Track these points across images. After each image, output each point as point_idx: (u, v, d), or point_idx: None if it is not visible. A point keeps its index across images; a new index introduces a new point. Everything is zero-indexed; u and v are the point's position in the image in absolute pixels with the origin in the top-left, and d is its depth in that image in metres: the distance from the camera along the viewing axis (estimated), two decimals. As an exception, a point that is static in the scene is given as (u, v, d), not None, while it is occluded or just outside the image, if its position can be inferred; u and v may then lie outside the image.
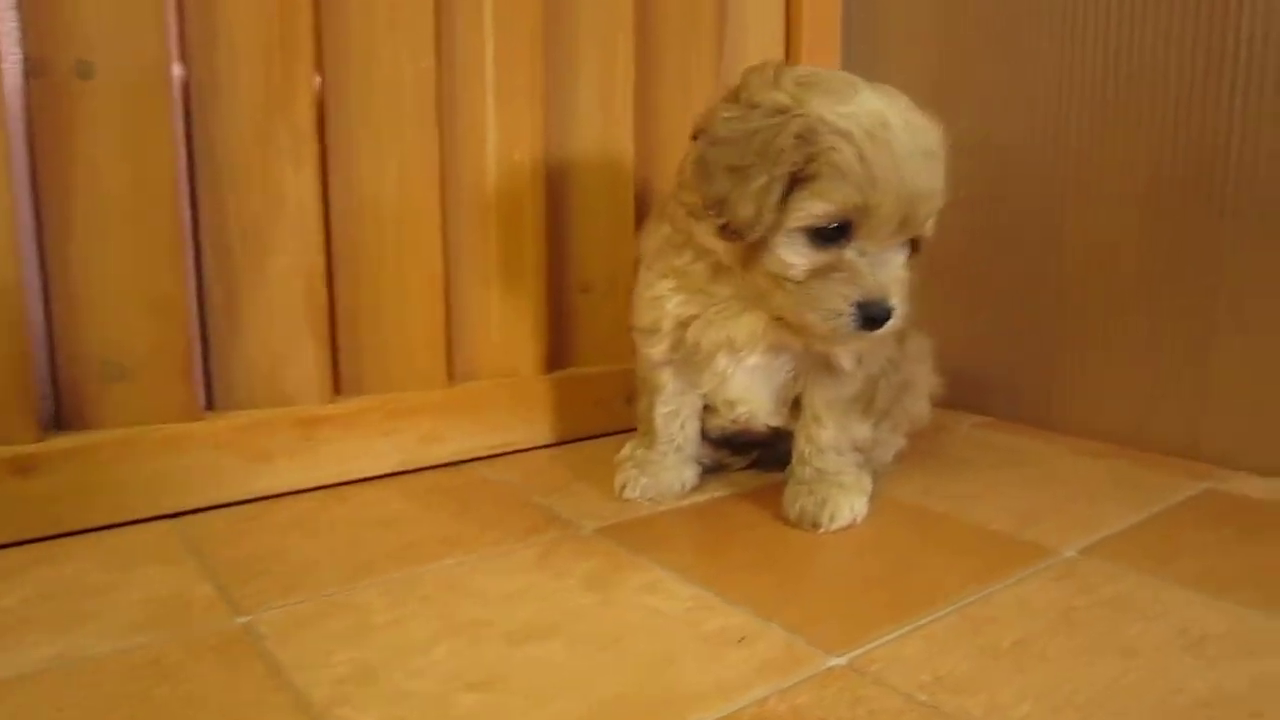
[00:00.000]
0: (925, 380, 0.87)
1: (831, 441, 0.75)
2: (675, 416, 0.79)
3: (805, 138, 0.61)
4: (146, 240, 0.75)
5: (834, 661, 0.53)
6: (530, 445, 0.94)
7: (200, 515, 0.76)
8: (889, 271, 0.65)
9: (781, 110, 0.62)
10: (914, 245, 0.68)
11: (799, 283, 0.64)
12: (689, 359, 0.75)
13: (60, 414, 0.75)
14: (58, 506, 0.71)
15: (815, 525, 0.72)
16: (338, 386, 0.87)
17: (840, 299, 0.63)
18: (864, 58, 1.15)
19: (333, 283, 0.85)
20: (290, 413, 0.81)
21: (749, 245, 0.64)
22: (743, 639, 0.55)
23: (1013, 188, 1.03)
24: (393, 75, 0.84)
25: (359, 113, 0.83)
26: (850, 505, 0.73)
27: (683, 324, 0.73)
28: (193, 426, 0.77)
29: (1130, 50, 0.91)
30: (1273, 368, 0.86)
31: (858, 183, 0.61)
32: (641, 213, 0.96)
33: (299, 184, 0.80)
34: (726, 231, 0.64)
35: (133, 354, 0.75)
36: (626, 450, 0.83)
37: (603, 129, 0.97)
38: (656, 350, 0.76)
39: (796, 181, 0.62)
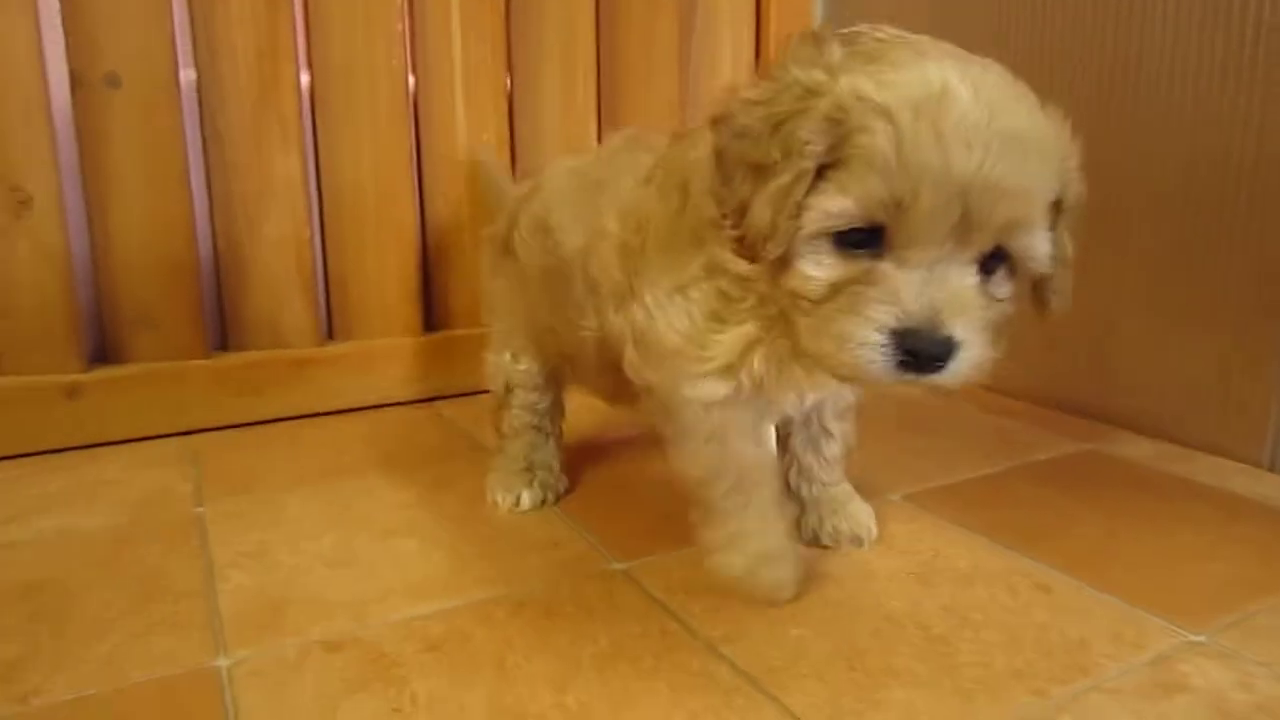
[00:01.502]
0: None
1: (839, 454, 0.70)
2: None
3: (835, 119, 0.46)
4: (165, 215, 0.94)
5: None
6: (497, 388, 1.10)
7: (203, 434, 0.96)
8: (946, 289, 0.47)
9: (815, 89, 0.47)
10: (1012, 267, 0.51)
11: (816, 302, 0.49)
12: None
13: (102, 351, 0.96)
14: (96, 422, 0.92)
15: (859, 542, 0.69)
16: (330, 334, 1.05)
17: (867, 323, 0.47)
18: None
19: (324, 249, 1.03)
20: (284, 354, 1.00)
21: (775, 263, 0.49)
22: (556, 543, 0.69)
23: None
24: (368, 71, 1.00)
25: (341, 105, 1.00)
26: (869, 509, 0.71)
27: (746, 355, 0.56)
28: (203, 363, 0.97)
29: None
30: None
31: (888, 171, 0.45)
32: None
33: (287, 166, 0.98)
34: (744, 246, 0.50)
35: (156, 305, 0.95)
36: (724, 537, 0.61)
37: (563, 112, 1.10)
38: (722, 389, 0.57)
39: (822, 175, 0.47)
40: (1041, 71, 1.00)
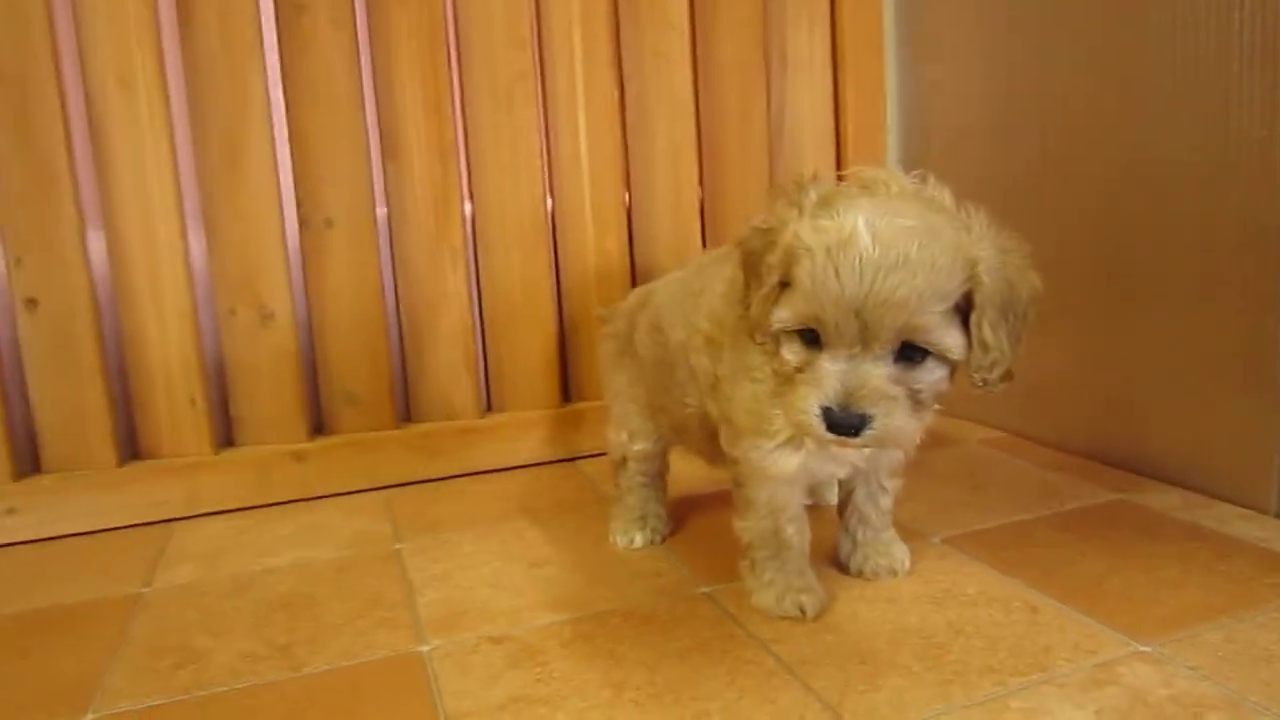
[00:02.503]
0: None
1: (890, 505, 0.89)
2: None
3: (787, 253, 0.67)
4: (365, 317, 1.23)
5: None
6: (622, 448, 1.34)
7: (395, 488, 1.24)
8: (861, 379, 0.65)
9: (784, 222, 0.69)
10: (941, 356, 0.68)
11: (786, 380, 0.70)
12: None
13: (319, 424, 1.26)
14: (317, 480, 1.22)
15: (894, 574, 0.88)
16: (490, 407, 1.32)
17: (808, 400, 0.67)
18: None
19: (484, 341, 1.30)
20: (454, 424, 1.27)
21: (773, 347, 0.71)
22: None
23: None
24: (515, 200, 1.27)
25: (496, 228, 1.27)
26: (906, 549, 0.90)
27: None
28: (393, 433, 1.25)
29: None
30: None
31: (808, 295, 0.65)
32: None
33: (455, 280, 1.26)
34: (750, 331, 0.73)
35: (358, 386, 1.24)
36: (765, 582, 0.83)
37: (673, 217, 1.34)
38: (794, 461, 0.79)
39: (784, 288, 0.69)
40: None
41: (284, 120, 1.19)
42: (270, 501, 1.20)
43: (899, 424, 0.67)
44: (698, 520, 1.06)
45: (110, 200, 1.13)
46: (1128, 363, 1.13)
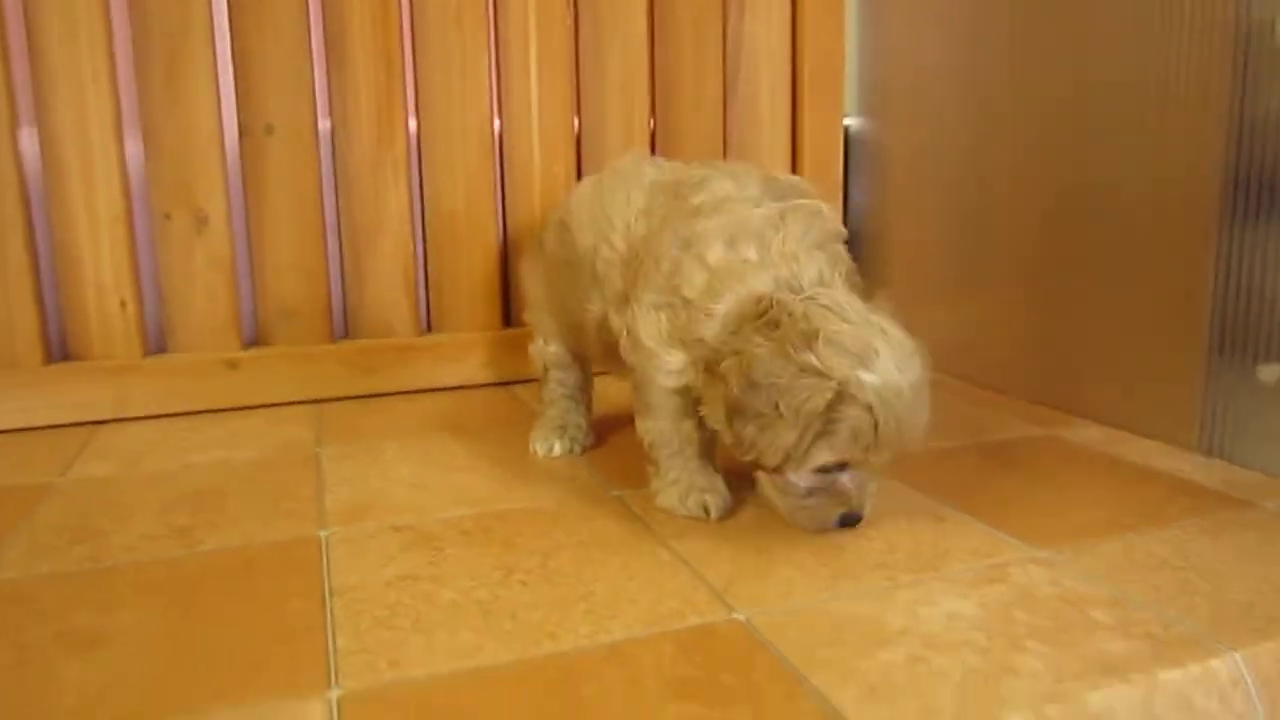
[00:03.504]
0: None
1: None
2: None
3: (834, 404, 0.68)
4: (303, 234, 1.22)
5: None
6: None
7: (328, 402, 1.23)
8: (870, 488, 0.76)
9: (815, 372, 0.68)
10: None
11: (801, 495, 0.75)
12: None
13: (255, 335, 1.24)
14: (249, 390, 1.21)
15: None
16: (429, 327, 1.31)
17: (830, 514, 0.75)
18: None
19: (425, 261, 1.29)
20: (391, 342, 1.26)
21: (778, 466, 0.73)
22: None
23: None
24: (463, 119, 1.26)
25: (441, 147, 1.26)
26: None
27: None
28: (329, 347, 1.24)
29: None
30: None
31: (866, 442, 0.70)
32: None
33: (398, 196, 1.25)
34: (744, 455, 0.73)
35: (296, 299, 1.23)
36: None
37: (624, 147, 1.33)
38: (682, 380, 0.81)
39: (818, 434, 0.70)
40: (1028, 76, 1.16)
41: (226, 23, 1.17)
42: (201, 409, 1.19)
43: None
44: (622, 436, 1.06)
45: (43, 98, 1.11)
46: (1063, 308, 1.12)
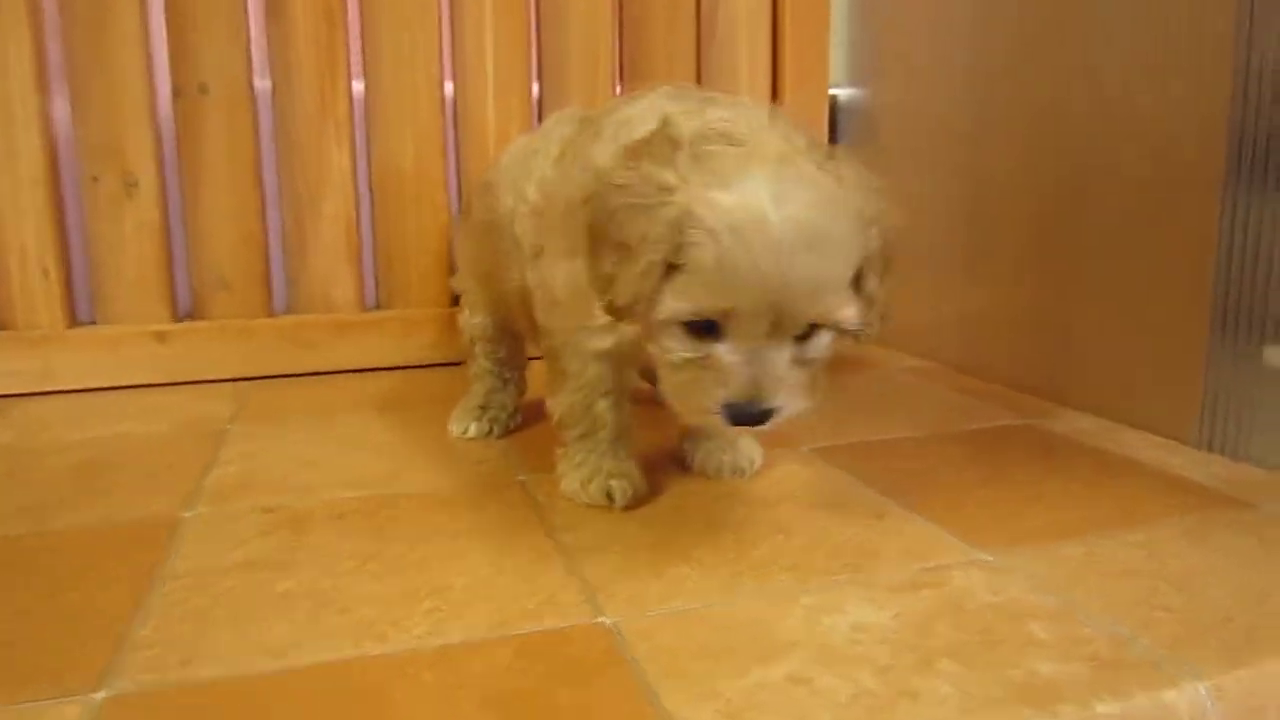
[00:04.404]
0: None
1: None
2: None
3: (676, 227, 0.56)
4: (241, 198, 1.15)
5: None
6: (519, 358, 1.24)
7: (263, 380, 1.15)
8: (768, 370, 0.58)
9: (665, 188, 0.57)
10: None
11: (676, 368, 0.60)
12: None
13: (190, 307, 1.17)
14: (179, 365, 1.14)
15: (741, 473, 0.79)
16: (373, 302, 1.23)
17: (707, 397, 0.59)
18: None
19: (373, 229, 1.21)
20: (331, 318, 1.18)
21: (642, 321, 0.61)
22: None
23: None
24: (411, 80, 1.17)
25: (390, 108, 1.18)
26: (758, 447, 0.81)
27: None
28: (266, 321, 1.16)
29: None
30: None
31: (714, 285, 0.56)
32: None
33: (340, 159, 1.17)
34: (612, 310, 0.61)
35: (232, 271, 1.16)
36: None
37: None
38: (609, 340, 0.70)
39: (671, 268, 0.57)
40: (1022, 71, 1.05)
41: (158, -26, 1.10)
42: (127, 384, 1.12)
43: (799, 407, 0.60)
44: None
45: (-40, 54, 1.06)
46: (1059, 291, 1.01)
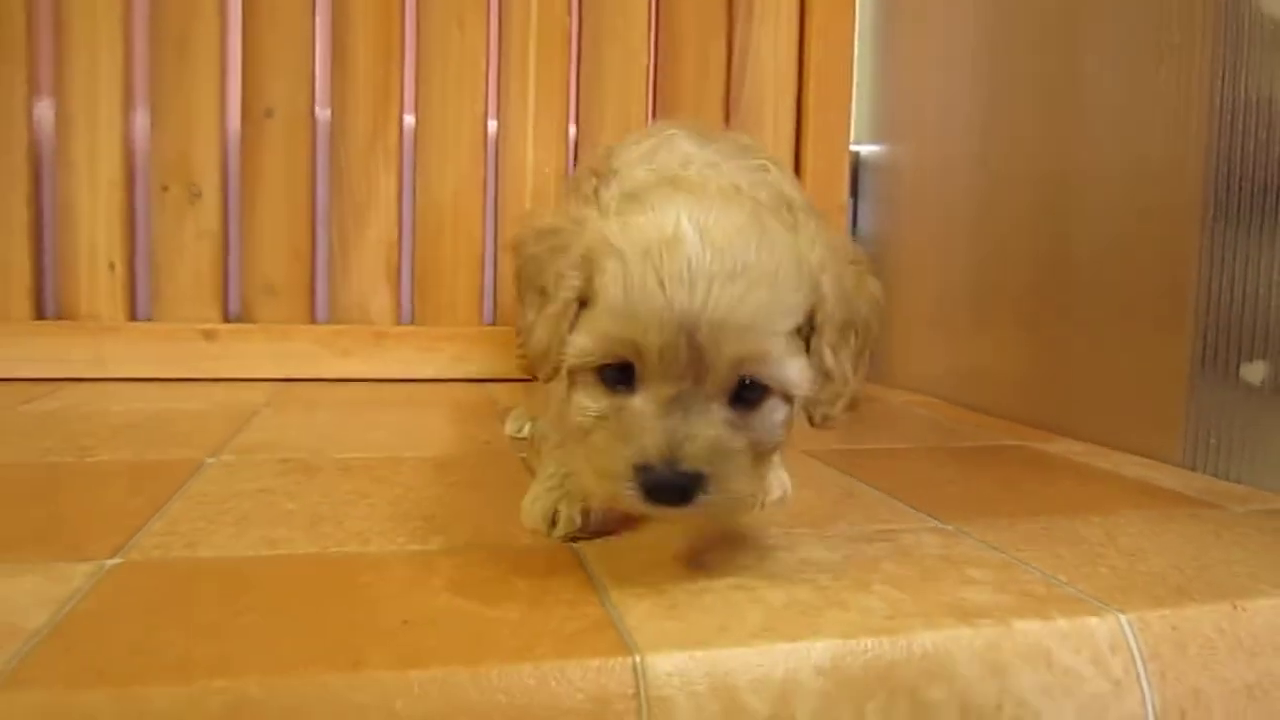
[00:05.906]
0: None
1: None
2: None
3: (588, 258, 0.50)
4: (294, 214, 1.25)
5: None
6: (541, 378, 1.31)
7: (301, 382, 1.23)
8: (690, 422, 0.48)
9: (580, 221, 0.52)
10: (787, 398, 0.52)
11: (586, 431, 0.51)
12: None
13: (239, 310, 1.26)
14: (223, 362, 1.22)
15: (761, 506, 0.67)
16: (408, 318, 1.31)
17: (617, 458, 0.48)
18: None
19: (413, 251, 1.30)
20: (369, 328, 1.26)
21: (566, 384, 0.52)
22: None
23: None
24: (457, 116, 1.28)
25: (435, 141, 1.28)
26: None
27: None
28: (306, 327, 1.25)
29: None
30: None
31: (620, 315, 0.48)
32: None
33: (387, 185, 1.26)
34: (527, 363, 0.54)
35: (279, 280, 1.25)
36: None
37: (619, 155, 1.33)
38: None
39: (583, 306, 0.51)
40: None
41: (239, 8, 1.23)
42: (174, 376, 1.21)
43: (741, 488, 0.50)
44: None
45: (61, 66, 1.18)
46: (1055, 333, 1.05)
